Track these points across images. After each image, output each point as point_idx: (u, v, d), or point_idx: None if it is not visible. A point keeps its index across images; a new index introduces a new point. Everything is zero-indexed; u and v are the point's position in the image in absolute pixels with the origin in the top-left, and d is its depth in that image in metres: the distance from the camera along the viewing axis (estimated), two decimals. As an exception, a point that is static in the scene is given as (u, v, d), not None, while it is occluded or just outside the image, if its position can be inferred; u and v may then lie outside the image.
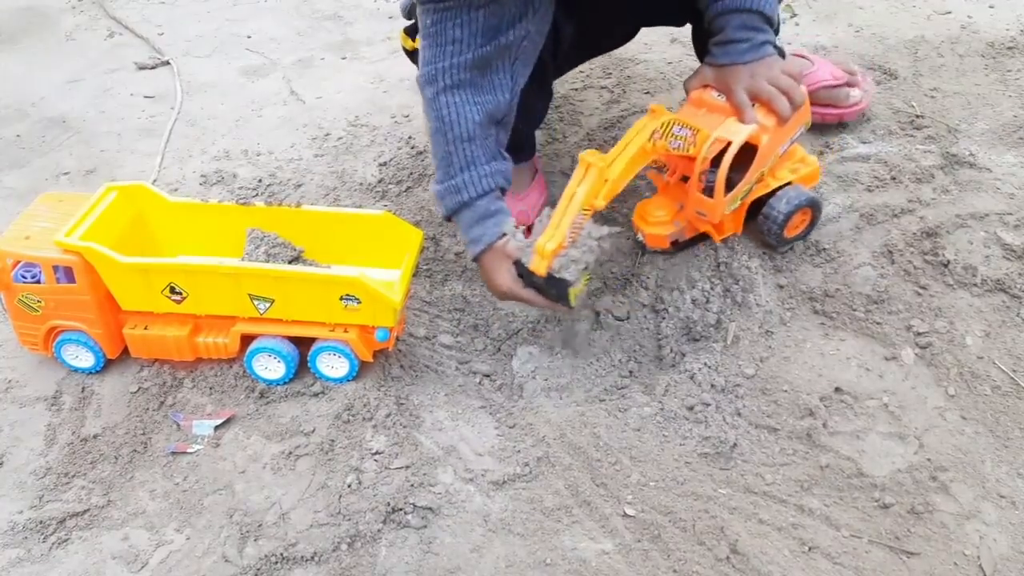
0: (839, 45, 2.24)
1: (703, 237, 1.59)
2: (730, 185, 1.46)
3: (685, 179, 1.50)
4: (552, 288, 1.37)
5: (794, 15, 2.37)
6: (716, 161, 1.43)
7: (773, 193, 1.54)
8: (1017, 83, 2.05)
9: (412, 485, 1.31)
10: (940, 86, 2.06)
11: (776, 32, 1.53)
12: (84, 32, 2.55)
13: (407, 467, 1.34)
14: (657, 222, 1.54)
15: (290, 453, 1.36)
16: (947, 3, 2.40)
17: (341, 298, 1.37)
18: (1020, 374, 1.43)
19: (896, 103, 2.00)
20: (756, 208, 1.55)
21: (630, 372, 1.50)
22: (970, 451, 1.34)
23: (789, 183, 1.56)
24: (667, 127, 1.40)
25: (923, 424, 1.38)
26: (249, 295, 1.39)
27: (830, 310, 1.54)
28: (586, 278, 1.40)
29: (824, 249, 1.62)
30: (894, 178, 1.75)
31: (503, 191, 1.49)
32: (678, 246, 1.58)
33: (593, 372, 1.50)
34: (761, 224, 1.56)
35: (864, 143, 1.86)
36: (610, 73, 2.17)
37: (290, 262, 1.42)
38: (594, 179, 1.36)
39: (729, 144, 1.42)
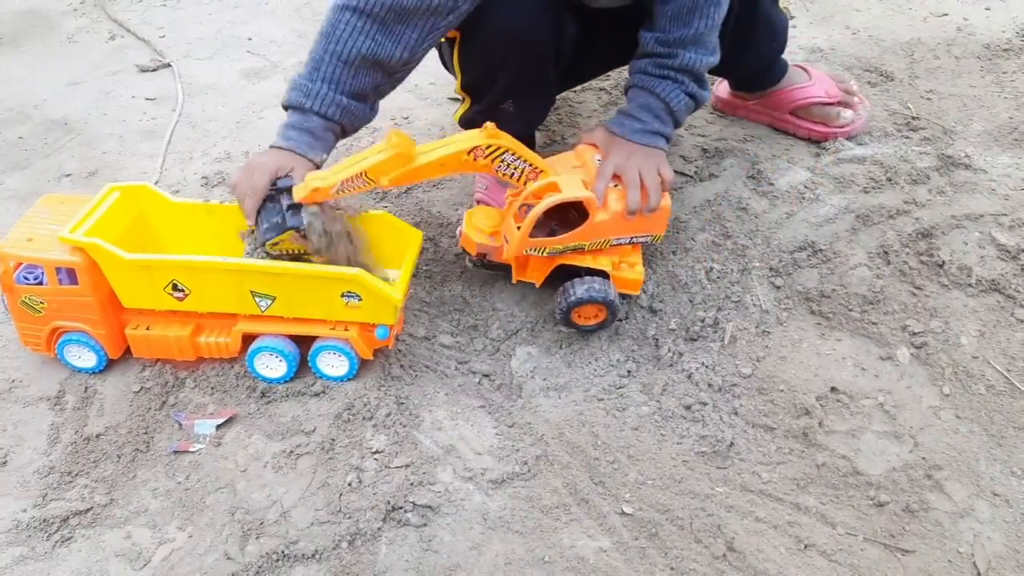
0: (835, 47, 2.25)
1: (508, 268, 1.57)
2: (550, 234, 1.46)
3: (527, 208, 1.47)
4: (265, 214, 1.36)
5: (791, 17, 2.38)
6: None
7: (584, 273, 1.51)
8: (1012, 85, 2.06)
9: (412, 484, 1.32)
10: (936, 88, 2.07)
11: (676, 128, 1.54)
12: (85, 35, 2.56)
13: (407, 466, 1.35)
14: (476, 227, 1.52)
15: (291, 452, 1.38)
16: (943, 5, 2.42)
17: (342, 295, 1.38)
18: (1014, 373, 1.44)
19: (892, 105, 2.01)
20: (566, 277, 1.52)
21: (628, 372, 1.51)
22: (964, 450, 1.35)
23: (605, 274, 1.51)
24: (496, 151, 1.38)
25: (918, 423, 1.39)
26: (251, 292, 1.40)
27: (826, 310, 1.55)
28: (288, 235, 1.36)
29: (820, 250, 1.63)
30: (890, 179, 1.76)
31: (343, 131, 1.47)
32: (483, 261, 1.57)
33: (591, 372, 1.51)
34: (556, 295, 1.52)
35: (860, 144, 1.88)
36: (609, 75, 2.19)
37: (292, 258, 1.43)
38: (389, 158, 1.34)
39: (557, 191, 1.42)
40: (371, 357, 1.46)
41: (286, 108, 1.46)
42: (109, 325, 1.45)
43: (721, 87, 2.01)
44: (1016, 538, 1.25)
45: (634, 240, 1.51)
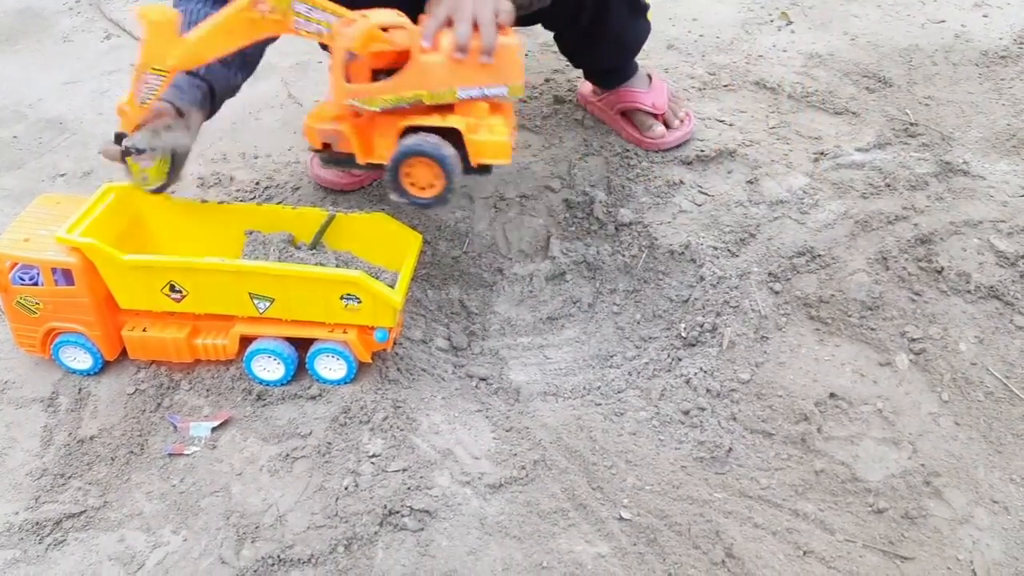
0: (834, 53, 2.25)
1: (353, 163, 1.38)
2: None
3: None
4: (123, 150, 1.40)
5: (790, 23, 2.38)
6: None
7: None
8: (1010, 92, 2.06)
9: (409, 488, 1.31)
10: (934, 94, 2.07)
11: None
12: (81, 34, 2.55)
13: (404, 470, 1.34)
14: (318, 116, 1.36)
15: (287, 455, 1.36)
16: (941, 12, 2.42)
17: (341, 298, 1.37)
18: (1013, 380, 1.44)
19: (890, 111, 2.01)
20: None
21: (626, 376, 1.50)
22: (963, 457, 1.35)
23: (456, 131, 1.29)
24: (285, 2, 1.23)
25: (917, 429, 1.39)
26: (249, 294, 1.39)
27: (825, 316, 1.55)
28: (159, 163, 1.41)
29: (819, 255, 1.63)
30: (889, 185, 1.76)
31: (211, 90, 1.51)
32: (330, 154, 1.39)
33: (589, 376, 1.51)
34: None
35: (859, 150, 1.88)
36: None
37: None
38: (152, 35, 1.23)
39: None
40: (369, 360, 1.45)
41: None
42: (105, 326, 1.44)
43: (584, 85, 2.02)
44: (1015, 545, 1.24)
45: (486, 93, 1.29)
